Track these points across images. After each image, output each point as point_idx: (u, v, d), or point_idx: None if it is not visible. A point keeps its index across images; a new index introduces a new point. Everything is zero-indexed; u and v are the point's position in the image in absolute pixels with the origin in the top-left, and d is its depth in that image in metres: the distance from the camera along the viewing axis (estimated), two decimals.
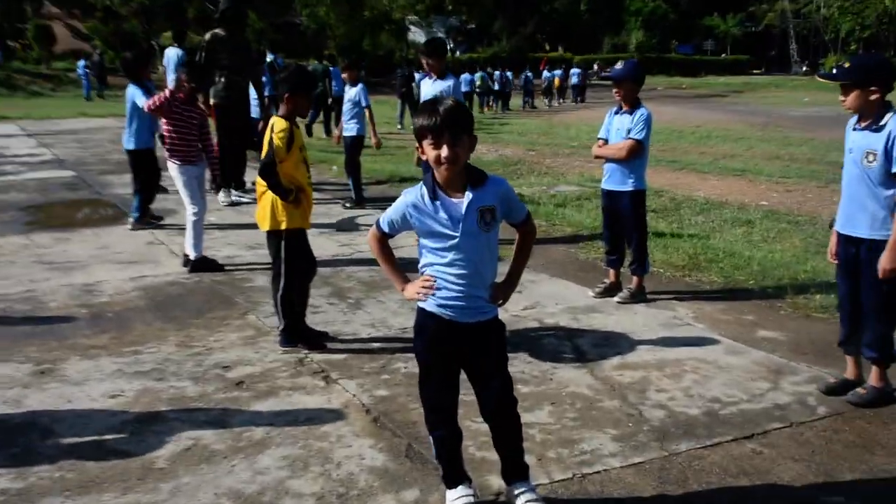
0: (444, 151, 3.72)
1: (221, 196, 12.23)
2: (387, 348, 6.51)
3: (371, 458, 4.81)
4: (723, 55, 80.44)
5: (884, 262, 5.20)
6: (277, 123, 6.25)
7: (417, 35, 59.66)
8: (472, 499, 4.17)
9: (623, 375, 5.97)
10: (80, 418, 5.38)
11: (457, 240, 3.88)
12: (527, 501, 4.14)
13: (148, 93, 9.90)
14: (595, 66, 53.78)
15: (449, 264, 3.93)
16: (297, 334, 6.49)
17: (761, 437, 5.07)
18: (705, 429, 5.16)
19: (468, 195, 3.85)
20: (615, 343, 6.61)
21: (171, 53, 16.28)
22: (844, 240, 5.57)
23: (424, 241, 4.00)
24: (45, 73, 49.63)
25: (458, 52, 60.24)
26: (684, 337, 6.76)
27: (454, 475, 4.22)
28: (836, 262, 5.74)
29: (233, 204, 12.18)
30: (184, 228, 9.28)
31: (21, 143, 20.81)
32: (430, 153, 3.77)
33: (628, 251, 7.71)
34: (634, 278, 7.66)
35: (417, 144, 3.88)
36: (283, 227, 6.34)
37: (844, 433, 5.13)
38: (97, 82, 43.41)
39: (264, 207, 6.36)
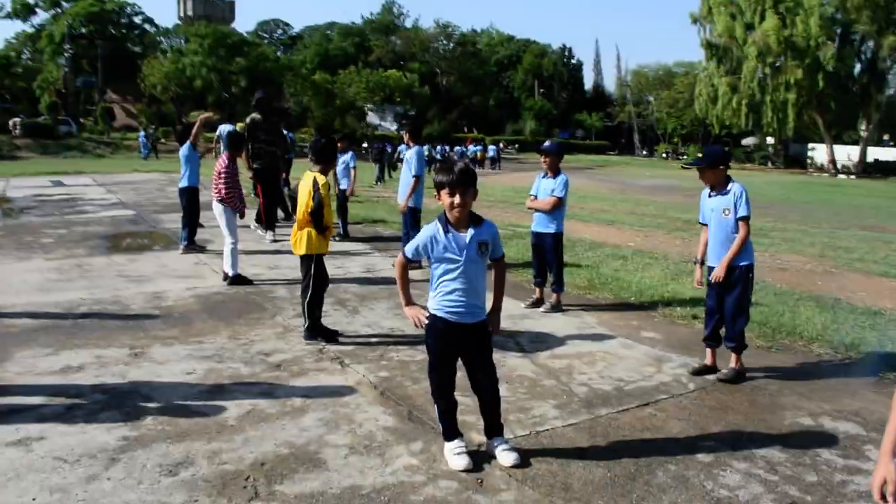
0: (457, 199, 3.81)
1: (269, 236, 11.86)
2: (381, 342, 6.49)
3: (383, 420, 4.79)
4: (587, 141, 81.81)
5: (717, 272, 5.58)
6: (320, 179, 6.25)
7: (373, 118, 59.82)
8: (464, 448, 4.20)
9: (554, 363, 6.03)
10: (168, 388, 5.28)
11: (461, 263, 3.95)
12: (504, 450, 4.19)
13: (193, 149, 10.71)
14: (500, 145, 54.13)
15: (454, 280, 3.99)
16: (317, 331, 6.43)
17: (654, 404, 5.19)
18: (616, 399, 5.26)
19: (471, 231, 3.93)
20: (545, 340, 6.67)
21: (223, 128, 16.11)
22: (709, 269, 5.76)
23: (437, 265, 4.05)
24: (106, 141, 48.64)
25: (402, 132, 60.35)
26: (592, 336, 6.86)
27: (452, 432, 4.24)
28: (700, 286, 5.96)
29: (274, 241, 11.73)
30: (219, 253, 9.19)
31: (94, 191, 20.30)
32: (446, 200, 3.86)
33: (549, 276, 7.79)
34: (554, 295, 7.73)
35: (436, 193, 3.95)
36: (315, 251, 6.31)
37: (709, 400, 5.30)
38: (152, 147, 42.90)
39: (302, 238, 6.31)
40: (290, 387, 5.35)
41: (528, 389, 5.40)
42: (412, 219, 9.54)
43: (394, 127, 60.01)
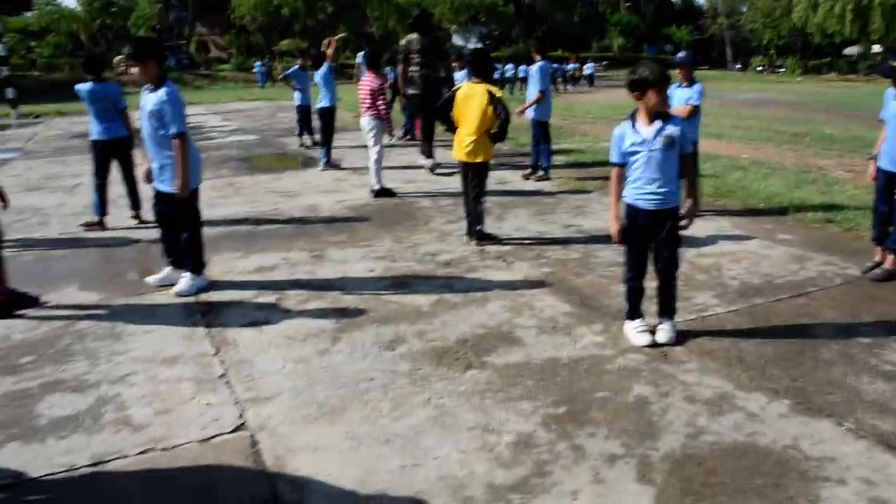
0: (657, 96, 4.18)
1: (426, 162, 10.89)
2: (534, 244, 6.94)
3: (560, 307, 5.29)
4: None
5: None
6: (496, 91, 6.58)
7: (458, 39, 59.46)
8: (646, 327, 4.66)
9: (702, 260, 6.39)
10: (358, 282, 5.91)
11: (645, 153, 4.34)
12: (665, 328, 4.64)
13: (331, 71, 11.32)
14: (595, 64, 52.87)
15: (639, 168, 4.39)
16: (483, 234, 6.89)
17: (806, 295, 5.52)
18: (769, 291, 5.61)
19: (657, 124, 4.30)
20: (692, 242, 6.98)
21: (360, 55, 16.94)
22: (880, 171, 5.89)
23: (629, 157, 4.43)
24: (203, 73, 49.80)
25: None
26: (731, 237, 7.14)
27: (635, 313, 4.70)
28: (874, 181, 6.05)
29: (433, 168, 10.84)
30: (354, 170, 9.82)
31: (212, 119, 21.19)
32: (654, 98, 4.21)
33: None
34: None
35: (633, 92, 4.29)
36: (489, 159, 6.73)
37: (857, 292, 5.58)
38: (267, 76, 43.96)
39: (478, 147, 6.66)
40: (465, 281, 5.90)
41: (685, 282, 5.77)
42: (541, 132, 9.87)
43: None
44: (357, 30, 58.07)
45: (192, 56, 57.35)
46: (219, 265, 6.39)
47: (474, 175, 6.78)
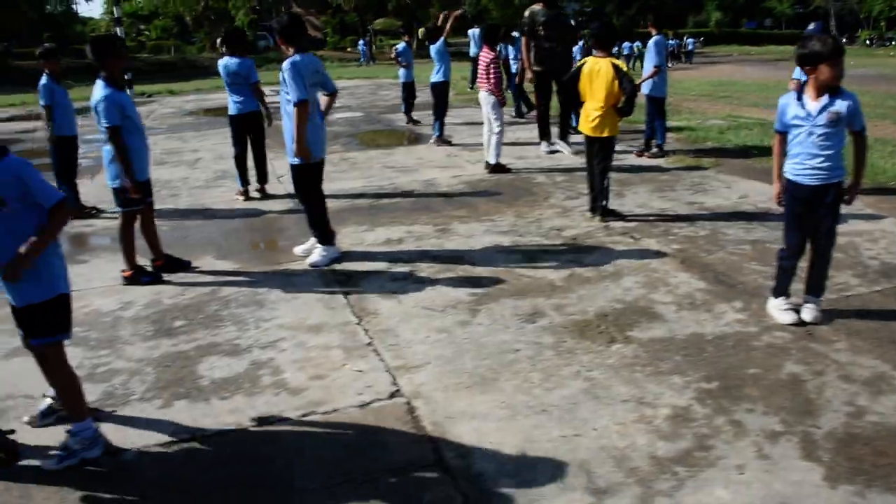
0: (832, 70, 4.01)
1: (549, 147, 10.29)
2: (659, 220, 6.81)
3: (695, 284, 5.19)
4: (777, 30, 75.97)
5: None
6: (621, 64, 6.49)
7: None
8: (791, 305, 4.52)
9: (839, 240, 6.10)
10: (486, 255, 5.95)
11: (806, 129, 4.18)
12: (812, 306, 4.47)
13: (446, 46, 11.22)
14: (694, 39, 51.29)
15: (800, 144, 4.24)
16: (607, 210, 6.81)
17: None
18: None
19: (824, 99, 4.12)
20: None
21: (474, 31, 17.20)
22: None
23: (790, 130, 4.28)
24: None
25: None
26: (864, 216, 6.81)
27: (783, 290, 4.56)
28: None
29: (552, 152, 10.25)
30: (465, 146, 9.80)
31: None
32: (827, 72, 4.04)
33: None
34: None
35: (805, 65, 4.12)
36: (615, 134, 6.64)
37: None
38: (369, 54, 44.49)
39: (604, 121, 6.57)
40: (594, 256, 5.84)
41: None
42: (655, 108, 9.65)
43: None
44: (449, 8, 58.20)
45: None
46: (348, 237, 6.51)
47: (600, 149, 6.69)
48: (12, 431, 3.62)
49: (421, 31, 45.67)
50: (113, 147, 5.46)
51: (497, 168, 9.02)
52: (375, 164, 9.97)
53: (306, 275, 5.73)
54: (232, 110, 8.19)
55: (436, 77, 11.25)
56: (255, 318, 4.92)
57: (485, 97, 8.93)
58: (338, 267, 5.85)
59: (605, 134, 6.64)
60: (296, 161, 5.76)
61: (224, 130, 14.32)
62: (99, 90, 5.43)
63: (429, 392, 3.81)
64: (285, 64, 5.71)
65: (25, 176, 3.13)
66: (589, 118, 6.65)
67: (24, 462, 3.44)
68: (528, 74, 10.12)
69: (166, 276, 5.84)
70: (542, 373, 3.95)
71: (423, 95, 13.60)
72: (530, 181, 8.59)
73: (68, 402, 3.47)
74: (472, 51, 19.72)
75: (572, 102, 8.13)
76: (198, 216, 7.76)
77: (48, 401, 3.78)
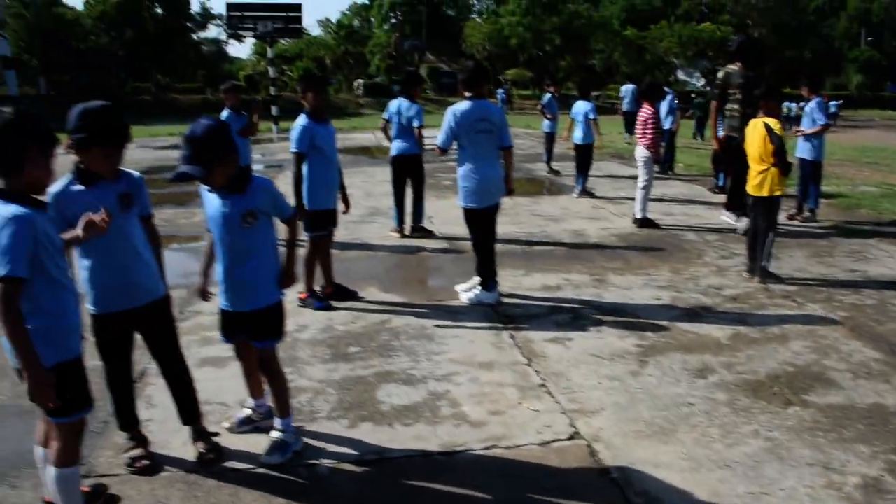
0: None
1: (742, 224, 8.51)
2: (820, 285, 6.61)
3: (868, 353, 5.04)
4: None
5: None
6: (771, 122, 6.46)
7: (681, 73, 58.06)
8: None
9: None
10: (647, 309, 5.96)
11: None
12: None
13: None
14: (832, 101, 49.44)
15: None
16: (767, 272, 6.68)
17: None
18: None
19: None
20: None
21: (627, 87, 17.64)
22: None
23: None
24: (434, 99, 52.21)
25: (709, 87, 57.67)
26: None
27: None
28: None
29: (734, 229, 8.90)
30: (609, 199, 9.86)
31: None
32: None
33: None
34: None
35: None
36: (777, 193, 6.56)
37: None
38: (508, 102, 44.75)
39: (764, 180, 6.52)
40: (758, 317, 5.76)
41: None
42: (812, 171, 9.39)
43: (701, 83, 57.65)
44: (579, 61, 58.45)
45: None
46: (506, 280, 6.67)
47: (762, 209, 6.62)
48: (217, 434, 3.92)
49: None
50: (293, 171, 5.90)
51: (645, 222, 9.03)
52: (523, 211, 10.14)
53: (470, 313, 5.91)
54: (395, 151, 8.56)
55: (584, 140, 11.36)
56: (426, 351, 5.11)
57: (640, 152, 8.99)
58: (500, 308, 6.00)
59: (766, 193, 6.57)
60: (467, 204, 5.99)
61: (369, 169, 14.98)
62: (298, 120, 5.89)
63: (609, 437, 3.87)
64: (450, 108, 6.00)
65: (274, 191, 3.58)
66: (751, 178, 6.64)
67: (229, 464, 3.71)
68: (715, 144, 9.22)
69: (335, 304, 6.14)
70: (721, 429, 3.94)
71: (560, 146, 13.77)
72: (680, 238, 8.53)
73: (283, 399, 3.78)
74: (625, 106, 19.95)
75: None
76: (357, 249, 8.12)
77: (247, 411, 4.08)
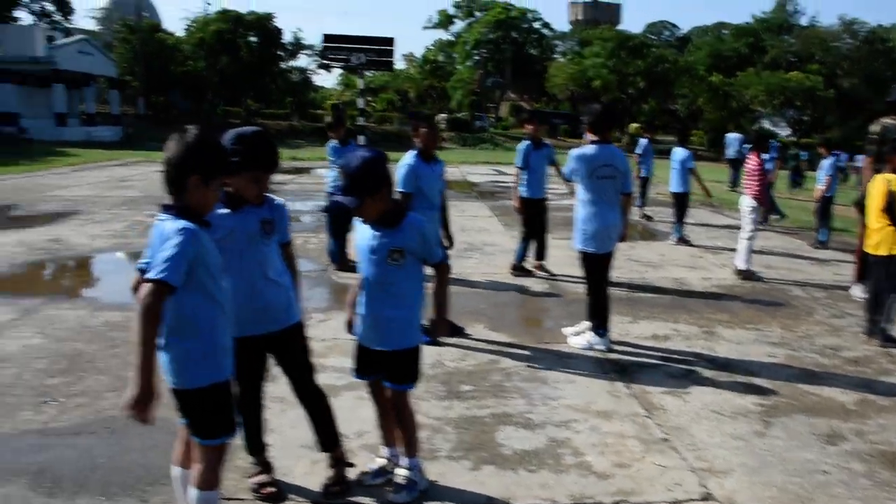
0: None
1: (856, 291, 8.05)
2: None
3: None
4: None
5: None
6: (892, 178, 6.22)
7: (766, 122, 56.84)
8: None
9: None
10: (764, 367, 5.76)
11: None
12: None
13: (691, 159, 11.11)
14: None
15: None
16: (884, 334, 6.39)
17: None
18: None
19: None
20: None
21: (732, 135, 17.75)
22: None
23: None
24: (512, 135, 52.44)
25: (794, 137, 56.25)
26: None
27: None
28: None
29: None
30: (706, 248, 9.86)
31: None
32: None
33: None
34: None
35: None
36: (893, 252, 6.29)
37: None
38: None
39: (880, 238, 6.30)
40: (884, 384, 5.48)
41: None
42: None
43: (785, 132, 56.40)
44: (662, 106, 57.94)
45: (500, 119, 60.70)
46: (614, 327, 6.53)
47: (881, 268, 6.35)
48: (352, 465, 3.88)
49: (633, 126, 46.02)
50: None
51: (748, 275, 8.78)
52: (620, 256, 9.90)
53: (581, 359, 5.82)
54: (523, 194, 8.63)
55: (682, 188, 11.18)
56: (541, 395, 5.04)
57: (747, 202, 8.79)
58: (611, 356, 5.89)
59: (884, 252, 6.31)
60: (584, 248, 5.94)
61: (458, 203, 15.02)
62: (406, 158, 5.94)
63: (744, 501, 3.71)
64: (572, 151, 5.96)
65: (427, 232, 3.50)
66: (869, 236, 6.41)
67: (355, 498, 3.68)
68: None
69: (443, 339, 6.11)
70: (863, 501, 3.75)
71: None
72: (786, 293, 8.26)
73: (412, 438, 3.71)
74: (728, 153, 19.80)
75: None
76: (459, 284, 8.09)
77: (381, 461, 3.91)
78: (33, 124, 34.56)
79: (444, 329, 3.73)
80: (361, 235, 3.57)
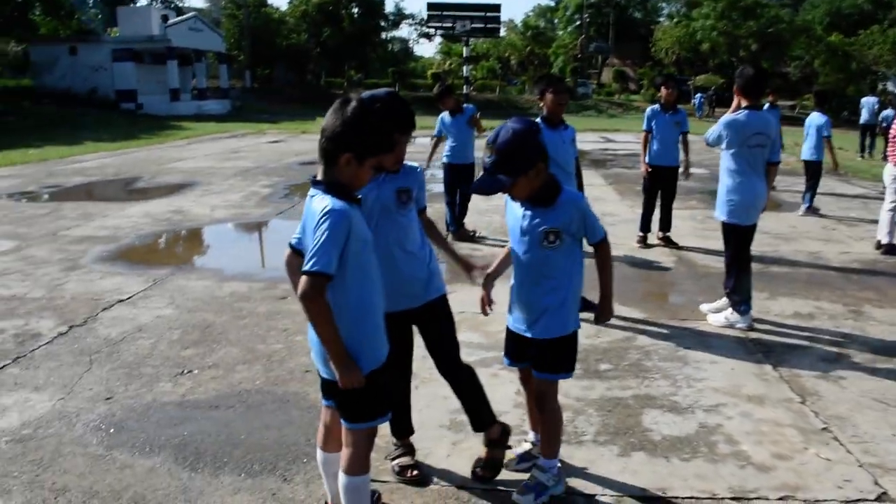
0: None
1: None
2: None
3: None
4: None
5: None
6: None
7: (890, 84, 53.05)
8: None
9: None
10: None
11: None
12: None
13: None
14: None
15: None
16: None
17: None
18: None
19: None
20: None
21: (868, 99, 17.29)
22: None
23: None
24: (617, 102, 51.13)
25: None
26: None
27: None
28: None
29: None
30: (836, 219, 9.29)
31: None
32: None
33: None
34: None
35: None
36: None
37: None
38: (709, 109, 42.82)
39: None
40: None
41: None
42: None
43: None
44: (774, 69, 54.97)
45: (602, 85, 59.11)
46: (752, 304, 6.17)
47: None
48: (509, 447, 3.65)
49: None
50: None
51: (891, 249, 8.14)
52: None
53: (721, 338, 5.49)
54: (648, 160, 8.30)
55: (815, 156, 10.49)
56: (685, 376, 4.77)
57: (890, 171, 8.12)
58: (752, 334, 5.55)
59: None
60: (730, 220, 5.59)
61: None
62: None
63: None
64: (724, 117, 5.59)
65: (586, 209, 3.19)
66: None
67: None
68: None
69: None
70: None
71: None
72: None
73: (553, 438, 3.38)
74: (863, 118, 18.89)
75: None
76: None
77: (528, 445, 3.73)
78: (148, 100, 36.08)
79: (608, 314, 3.47)
80: (512, 214, 3.27)
